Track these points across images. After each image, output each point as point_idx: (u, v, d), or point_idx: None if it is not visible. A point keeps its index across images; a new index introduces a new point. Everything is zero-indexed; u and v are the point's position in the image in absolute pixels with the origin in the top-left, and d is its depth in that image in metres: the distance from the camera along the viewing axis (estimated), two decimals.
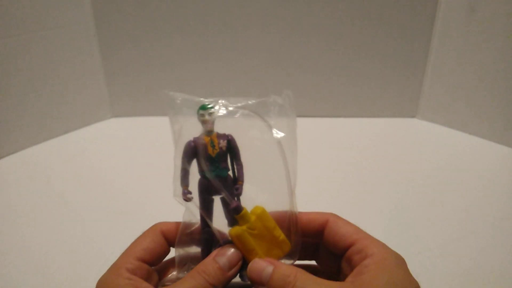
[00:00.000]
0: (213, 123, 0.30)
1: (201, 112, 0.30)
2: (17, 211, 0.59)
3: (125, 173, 0.69)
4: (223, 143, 0.30)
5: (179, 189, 0.31)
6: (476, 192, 0.62)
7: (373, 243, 0.28)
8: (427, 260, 0.47)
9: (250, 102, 0.31)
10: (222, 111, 0.30)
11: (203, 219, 0.30)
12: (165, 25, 0.80)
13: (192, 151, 0.30)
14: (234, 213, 0.29)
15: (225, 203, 0.30)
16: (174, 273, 0.31)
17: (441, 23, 0.77)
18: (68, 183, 0.66)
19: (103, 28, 0.80)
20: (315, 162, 0.69)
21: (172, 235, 0.31)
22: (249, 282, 0.29)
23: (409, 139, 0.79)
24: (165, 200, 0.60)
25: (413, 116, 0.87)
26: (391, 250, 0.28)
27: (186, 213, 0.31)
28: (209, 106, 0.30)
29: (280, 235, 0.30)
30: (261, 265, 0.28)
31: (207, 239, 0.30)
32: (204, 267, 0.27)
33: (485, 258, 0.49)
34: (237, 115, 0.31)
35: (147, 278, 0.28)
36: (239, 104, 0.31)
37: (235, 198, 0.30)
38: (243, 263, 0.29)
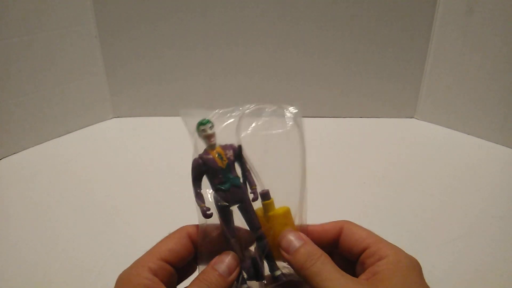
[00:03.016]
0: (214, 135, 0.29)
1: (202, 128, 0.29)
2: (18, 212, 0.60)
3: (126, 173, 0.69)
4: (229, 153, 0.30)
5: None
6: (474, 191, 0.62)
7: (387, 246, 0.28)
8: (425, 258, 0.48)
9: (267, 109, 0.31)
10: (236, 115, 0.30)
11: (224, 233, 0.30)
12: (167, 27, 0.80)
13: (201, 168, 0.30)
14: (262, 199, 0.31)
15: (244, 211, 0.30)
16: None
17: (439, 24, 0.77)
18: (70, 184, 0.66)
19: (105, 29, 0.81)
20: (313, 162, 0.70)
21: (196, 238, 0.31)
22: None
23: (407, 140, 0.80)
24: (167, 200, 0.61)
25: (411, 117, 0.87)
26: (406, 253, 0.28)
27: (201, 217, 0.31)
28: (207, 120, 0.29)
29: None
30: (293, 236, 0.29)
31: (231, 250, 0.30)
32: (205, 276, 0.28)
33: (484, 257, 0.49)
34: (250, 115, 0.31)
35: (168, 280, 0.29)
36: (253, 106, 0.31)
37: (251, 204, 0.31)
38: (240, 270, 0.30)
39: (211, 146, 0.30)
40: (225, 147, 0.30)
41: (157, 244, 0.30)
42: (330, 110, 0.87)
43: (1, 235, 0.55)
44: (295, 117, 0.31)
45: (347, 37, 0.80)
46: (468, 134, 0.79)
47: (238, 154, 0.30)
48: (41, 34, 0.73)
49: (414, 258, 0.28)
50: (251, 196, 0.30)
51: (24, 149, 0.76)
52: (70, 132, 0.82)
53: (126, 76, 0.86)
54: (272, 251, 0.31)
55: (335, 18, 0.78)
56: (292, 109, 0.31)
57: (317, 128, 0.82)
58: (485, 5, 0.71)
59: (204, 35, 0.81)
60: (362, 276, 0.27)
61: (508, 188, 0.64)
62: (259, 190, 0.31)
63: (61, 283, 0.46)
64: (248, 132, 0.31)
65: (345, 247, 0.30)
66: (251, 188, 0.31)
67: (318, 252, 0.28)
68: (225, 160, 0.29)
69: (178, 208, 0.59)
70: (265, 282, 0.30)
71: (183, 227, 0.31)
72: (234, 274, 0.29)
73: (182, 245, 0.30)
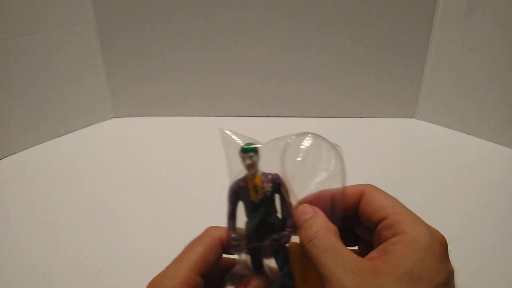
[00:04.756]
0: (255, 166, 0.27)
1: (242, 155, 0.27)
2: (18, 212, 0.60)
3: (126, 173, 0.69)
4: (267, 187, 0.27)
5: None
6: (475, 192, 0.62)
7: (407, 220, 0.24)
8: None
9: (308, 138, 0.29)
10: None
11: (253, 262, 0.29)
12: (167, 27, 0.80)
13: (236, 195, 0.28)
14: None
15: (272, 245, 0.28)
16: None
17: (439, 25, 0.77)
18: (70, 184, 0.66)
19: (105, 29, 0.81)
20: None
21: (227, 243, 0.29)
22: None
23: (408, 140, 0.80)
24: (167, 199, 0.61)
25: (411, 117, 0.87)
26: (428, 230, 0.24)
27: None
28: (250, 148, 0.27)
29: None
30: (304, 210, 0.27)
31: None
32: None
33: (484, 257, 0.49)
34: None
35: None
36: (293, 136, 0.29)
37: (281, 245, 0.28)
38: None
39: (250, 175, 0.27)
40: (265, 178, 0.27)
41: (188, 252, 0.28)
42: (330, 110, 0.87)
43: (1, 235, 0.55)
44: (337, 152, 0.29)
45: (347, 37, 0.80)
46: (468, 134, 0.79)
47: (277, 187, 0.28)
48: (41, 34, 0.73)
49: (438, 234, 0.24)
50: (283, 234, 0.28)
51: (24, 149, 0.76)
52: (70, 132, 0.82)
53: (126, 76, 0.86)
54: None
55: (335, 18, 0.78)
56: (334, 144, 0.29)
57: (317, 128, 0.82)
58: (485, 5, 0.71)
59: (204, 35, 0.81)
60: (373, 253, 0.24)
61: (508, 188, 0.64)
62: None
63: (61, 283, 0.46)
64: (291, 163, 0.28)
65: (363, 213, 0.28)
66: (284, 229, 0.28)
67: (324, 226, 0.25)
68: (259, 195, 0.27)
69: (178, 208, 0.60)
70: None
71: (213, 231, 0.29)
72: None
73: (213, 254, 0.28)
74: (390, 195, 0.28)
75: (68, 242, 0.53)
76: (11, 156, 0.74)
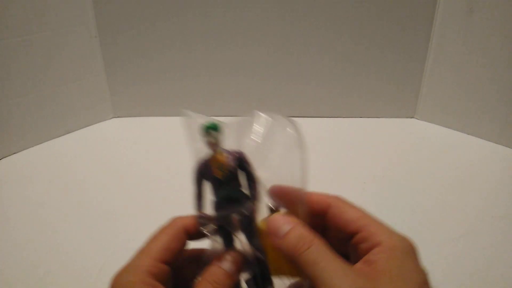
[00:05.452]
0: (218, 144, 0.27)
1: (203, 133, 0.27)
2: (18, 212, 0.60)
3: (126, 173, 0.69)
4: (231, 164, 0.27)
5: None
6: (474, 191, 0.62)
7: (380, 230, 0.27)
8: (425, 258, 0.48)
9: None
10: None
11: (224, 240, 0.29)
12: (167, 27, 0.80)
13: (200, 174, 0.28)
14: (270, 211, 0.29)
15: (242, 225, 0.28)
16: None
17: (439, 24, 0.77)
18: (70, 184, 0.66)
19: (105, 29, 0.81)
20: (313, 162, 0.70)
21: (192, 230, 0.29)
22: None
23: (408, 140, 0.80)
24: (166, 200, 0.61)
25: (411, 117, 0.87)
26: (399, 237, 0.27)
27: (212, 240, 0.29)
28: (211, 125, 0.27)
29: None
30: (280, 221, 0.27)
31: None
32: (212, 276, 0.27)
33: (484, 257, 0.49)
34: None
35: (167, 281, 0.27)
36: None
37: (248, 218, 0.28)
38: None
39: (213, 153, 0.28)
40: (228, 156, 0.28)
41: (151, 242, 0.28)
42: (330, 110, 0.87)
43: (1, 235, 0.55)
44: (294, 125, 0.30)
45: (347, 37, 0.80)
46: (468, 134, 0.79)
47: (241, 163, 0.28)
48: (41, 34, 0.73)
49: (408, 241, 0.27)
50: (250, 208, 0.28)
51: (24, 149, 0.76)
52: (70, 132, 0.82)
53: (126, 76, 0.86)
54: (270, 269, 0.29)
55: (335, 18, 0.78)
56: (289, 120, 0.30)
57: (317, 128, 0.82)
58: (485, 5, 0.71)
59: (204, 35, 0.81)
60: (358, 265, 0.26)
61: (508, 188, 0.64)
62: (270, 204, 0.29)
63: (61, 283, 0.46)
64: (249, 139, 0.29)
65: (333, 226, 0.29)
66: (251, 201, 0.28)
67: (310, 235, 0.26)
68: (225, 171, 0.27)
69: (178, 208, 0.59)
70: None
71: (176, 220, 0.30)
72: (239, 272, 0.28)
73: (177, 241, 0.29)
74: (357, 207, 0.29)
75: (68, 242, 0.53)
76: (11, 156, 0.74)
